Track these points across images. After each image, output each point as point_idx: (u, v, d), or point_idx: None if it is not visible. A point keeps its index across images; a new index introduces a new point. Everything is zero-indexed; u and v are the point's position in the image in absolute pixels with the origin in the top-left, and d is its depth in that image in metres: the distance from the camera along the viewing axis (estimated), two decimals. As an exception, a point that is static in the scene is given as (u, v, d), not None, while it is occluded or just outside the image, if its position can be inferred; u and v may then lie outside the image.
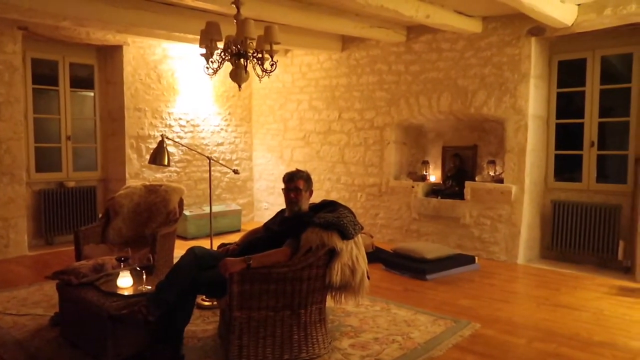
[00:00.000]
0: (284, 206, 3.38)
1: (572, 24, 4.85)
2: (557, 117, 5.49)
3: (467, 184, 5.66)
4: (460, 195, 5.75)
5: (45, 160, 6.09)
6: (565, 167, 5.56)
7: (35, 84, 5.90)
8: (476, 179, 5.76)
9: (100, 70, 6.48)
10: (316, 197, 3.42)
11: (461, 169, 5.98)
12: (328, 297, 3.04)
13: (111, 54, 6.39)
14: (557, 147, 5.52)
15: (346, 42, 6.69)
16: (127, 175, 6.39)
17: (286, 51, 7.29)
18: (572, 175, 5.47)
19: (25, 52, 5.69)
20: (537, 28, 5.09)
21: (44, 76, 6.03)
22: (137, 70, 6.43)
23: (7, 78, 5.39)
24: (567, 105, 5.49)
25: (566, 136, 5.49)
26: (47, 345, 3.11)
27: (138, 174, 6.52)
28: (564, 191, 5.45)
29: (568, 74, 5.44)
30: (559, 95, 5.47)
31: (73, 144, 6.27)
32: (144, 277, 3.13)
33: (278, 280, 2.79)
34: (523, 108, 5.23)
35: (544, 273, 5.01)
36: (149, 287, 3.04)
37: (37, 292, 4.21)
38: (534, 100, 5.26)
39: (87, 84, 6.44)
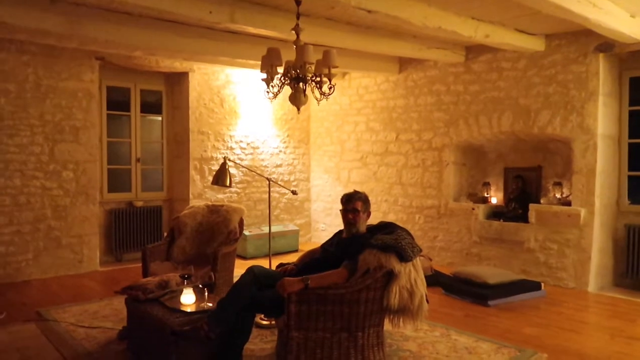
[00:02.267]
0: (341, 227, 3.39)
1: (644, 39, 4.62)
2: (630, 137, 5.19)
3: (532, 206, 5.44)
4: (524, 218, 5.52)
5: (117, 181, 6.47)
6: (640, 189, 5.23)
7: (109, 110, 6.32)
8: (541, 201, 5.53)
9: (168, 95, 6.85)
10: (373, 219, 3.41)
11: (524, 190, 5.75)
12: (386, 321, 3.01)
13: (178, 81, 6.74)
14: (630, 168, 5.21)
15: (403, 63, 6.70)
16: (190, 196, 6.66)
17: (344, 74, 7.39)
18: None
19: (102, 80, 6.13)
20: (605, 44, 4.88)
21: (117, 102, 6.44)
22: (202, 95, 6.74)
23: (85, 105, 5.82)
24: (641, 124, 5.20)
25: (640, 156, 5.18)
26: (115, 358, 3.27)
27: (201, 194, 6.77)
28: (639, 215, 5.11)
29: (641, 91, 5.16)
30: (632, 113, 5.18)
31: (142, 165, 6.62)
32: (206, 294, 3.23)
33: (335, 301, 2.79)
34: (591, 127, 4.99)
35: (618, 302, 4.69)
36: (210, 305, 3.13)
37: (107, 306, 4.43)
38: (604, 119, 5.01)
39: (156, 109, 6.82)
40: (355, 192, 3.28)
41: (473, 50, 5.92)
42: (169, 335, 2.89)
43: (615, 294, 4.93)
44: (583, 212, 5.03)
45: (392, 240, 2.89)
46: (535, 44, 5.23)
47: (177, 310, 3.09)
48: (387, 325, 3.03)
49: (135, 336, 3.35)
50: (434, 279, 5.03)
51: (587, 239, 5.04)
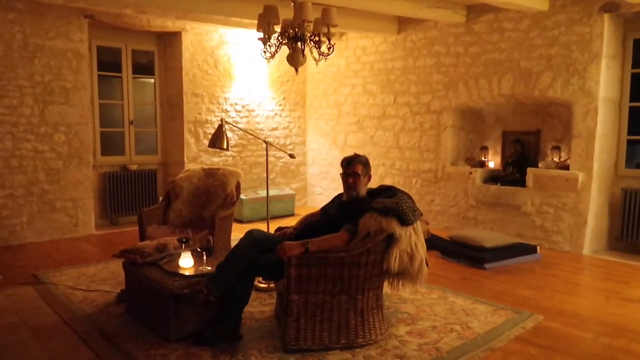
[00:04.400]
0: (337, 191, 3.36)
1: (652, -1, 4.50)
2: (631, 100, 5.13)
3: (529, 170, 5.42)
4: (521, 182, 5.52)
5: (110, 144, 6.36)
6: (639, 154, 5.20)
7: (100, 71, 6.14)
8: (539, 165, 5.50)
9: (160, 56, 6.66)
10: (370, 183, 3.37)
11: (522, 154, 5.72)
12: (385, 283, 3.01)
13: (170, 41, 6.55)
14: (630, 132, 5.17)
15: (402, 24, 6.53)
16: (185, 159, 6.57)
17: (341, 35, 7.20)
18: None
19: (91, 40, 5.92)
20: (611, 4, 4.75)
21: (108, 63, 6.26)
22: (195, 56, 6.56)
23: (74, 65, 5.64)
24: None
25: (640, 120, 5.14)
26: (114, 320, 3.26)
27: (196, 157, 6.69)
28: (637, 179, 5.10)
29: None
30: (634, 76, 5.10)
31: (135, 128, 6.50)
32: (204, 258, 3.21)
33: (335, 264, 2.78)
34: (593, 90, 4.91)
35: (612, 265, 4.74)
36: (209, 268, 3.11)
37: (104, 269, 4.42)
38: (606, 82, 4.93)
39: (148, 71, 6.64)
40: (356, 156, 3.22)
41: (474, 9, 5.76)
42: (168, 299, 2.88)
43: (610, 257, 4.98)
44: (581, 176, 5.02)
45: (393, 203, 2.86)
46: (539, 3, 5.08)
47: (176, 274, 3.08)
48: (385, 288, 3.05)
49: (134, 299, 3.34)
50: (431, 243, 5.03)
51: (584, 202, 5.04)
